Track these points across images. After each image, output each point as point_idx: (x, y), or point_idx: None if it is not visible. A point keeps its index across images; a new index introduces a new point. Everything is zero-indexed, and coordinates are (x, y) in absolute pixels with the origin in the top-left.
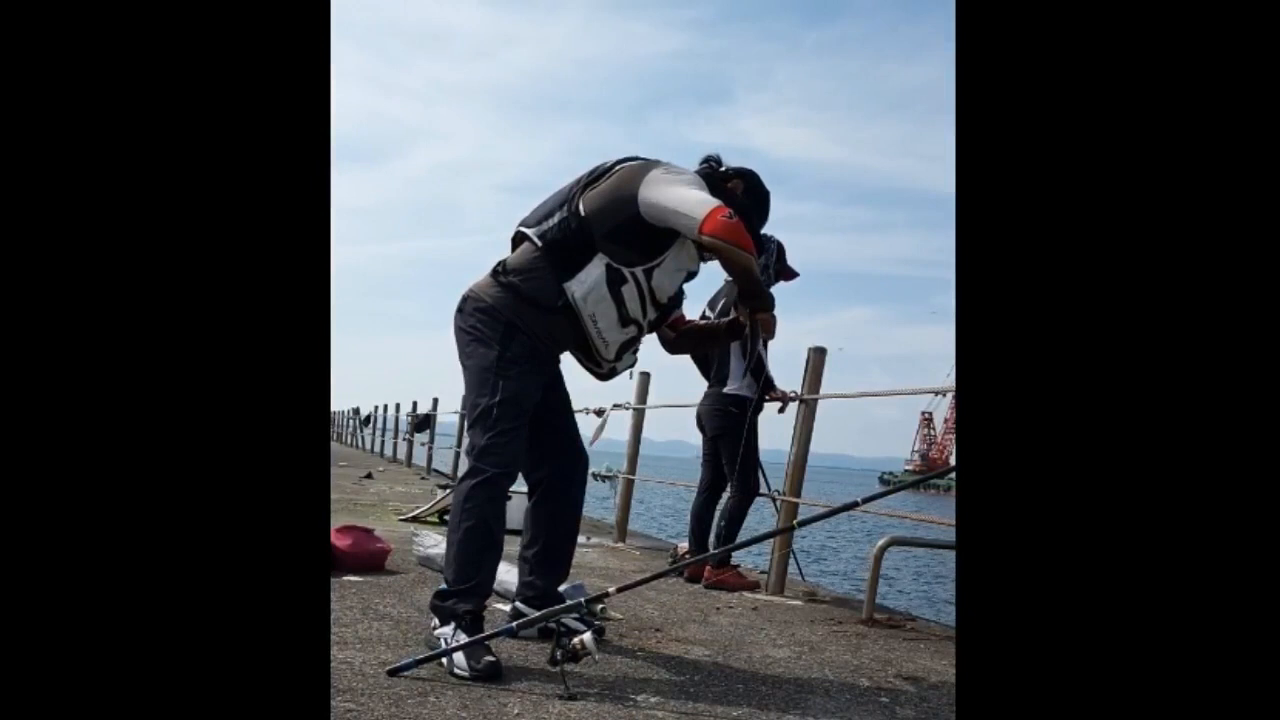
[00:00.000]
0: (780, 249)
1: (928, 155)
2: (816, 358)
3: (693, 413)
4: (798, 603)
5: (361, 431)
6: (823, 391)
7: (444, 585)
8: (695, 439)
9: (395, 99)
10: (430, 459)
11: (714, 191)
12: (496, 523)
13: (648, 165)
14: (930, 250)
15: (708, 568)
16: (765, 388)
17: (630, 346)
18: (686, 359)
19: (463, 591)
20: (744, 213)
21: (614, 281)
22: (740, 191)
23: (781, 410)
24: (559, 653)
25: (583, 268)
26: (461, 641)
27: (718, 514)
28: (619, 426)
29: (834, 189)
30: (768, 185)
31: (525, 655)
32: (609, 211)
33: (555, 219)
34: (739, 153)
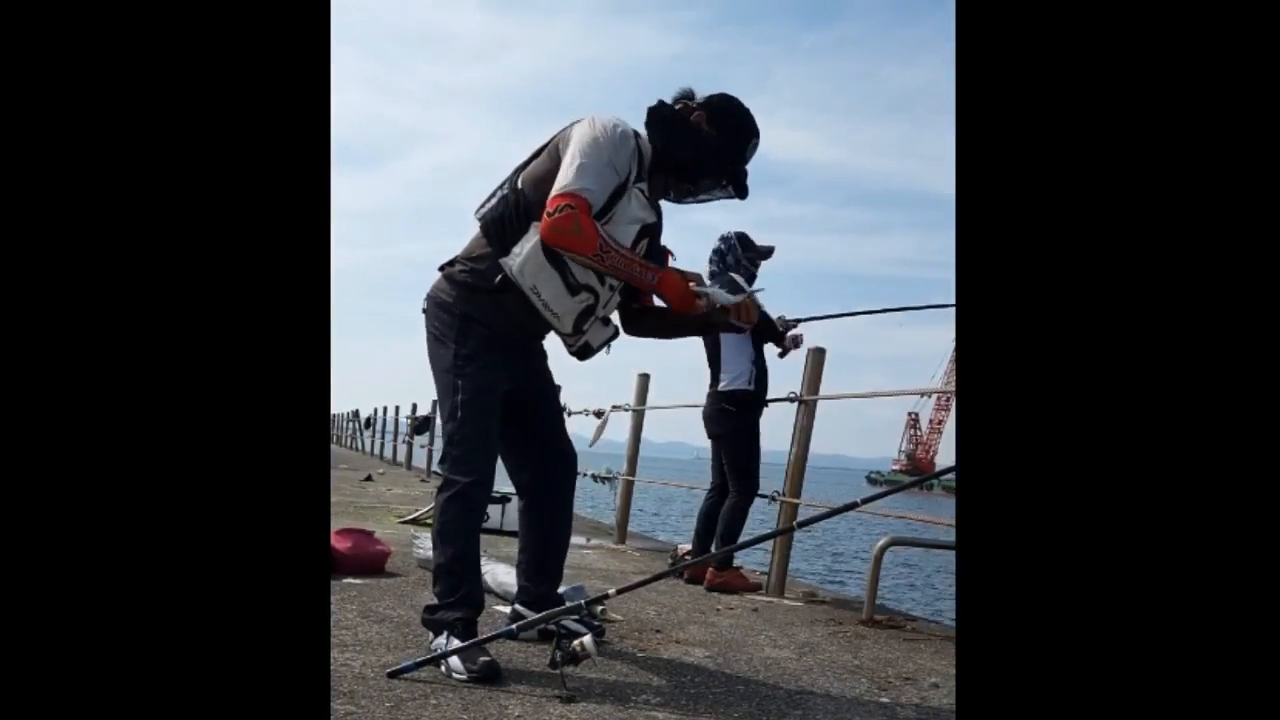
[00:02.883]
0: (739, 240)
1: (927, 156)
2: (816, 358)
3: (691, 413)
4: (798, 603)
5: (361, 434)
6: (822, 392)
7: (433, 600)
8: (694, 440)
9: (395, 102)
10: (430, 461)
11: (673, 131)
12: (476, 532)
13: (574, 125)
14: (930, 251)
15: (710, 569)
16: (766, 334)
17: (589, 316)
18: (692, 357)
19: (450, 604)
20: (705, 150)
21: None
22: (705, 123)
23: (782, 355)
24: (559, 654)
25: (519, 240)
26: (456, 647)
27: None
28: (619, 427)
29: (833, 190)
30: (748, 118)
31: (525, 657)
32: (544, 179)
33: (495, 199)
34: None
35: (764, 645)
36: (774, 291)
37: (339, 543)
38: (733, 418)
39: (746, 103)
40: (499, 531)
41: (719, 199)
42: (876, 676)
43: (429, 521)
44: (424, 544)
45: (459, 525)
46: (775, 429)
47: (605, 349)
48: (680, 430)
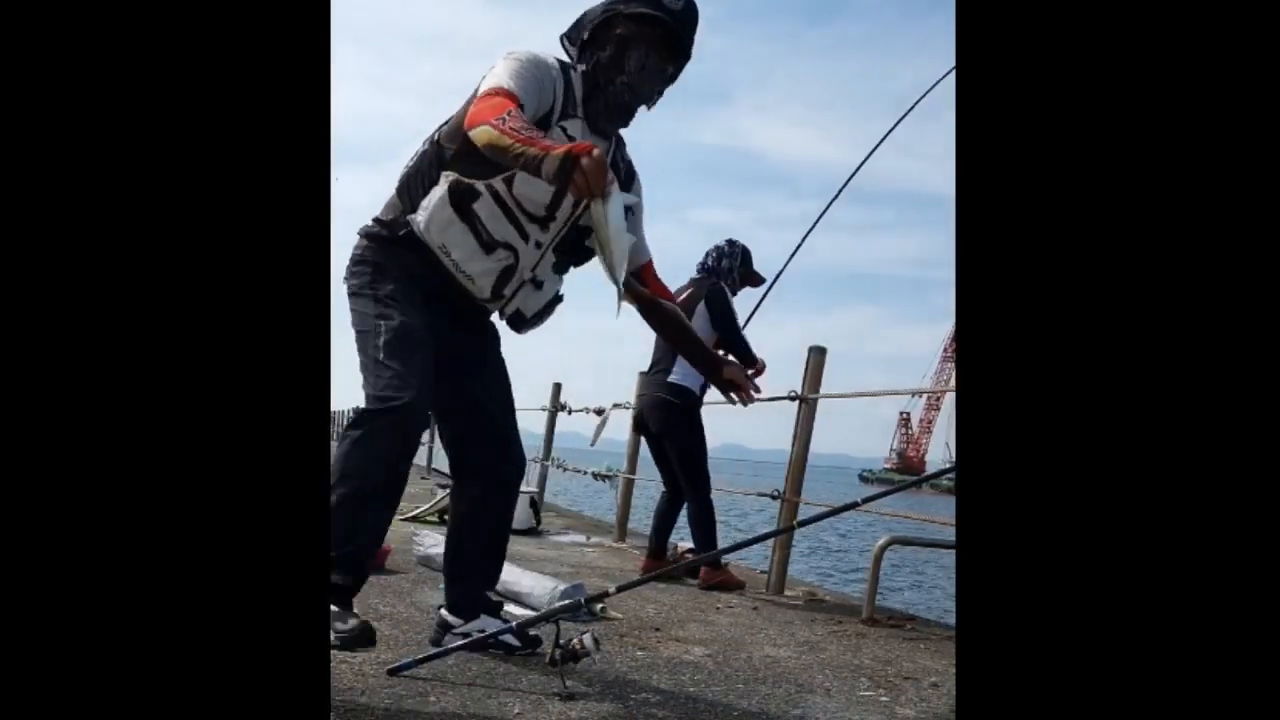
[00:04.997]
0: (745, 253)
1: (928, 155)
2: (816, 358)
3: None
4: (798, 602)
5: None
6: (823, 391)
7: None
8: None
9: (396, 99)
10: (430, 458)
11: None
12: (379, 467)
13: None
14: (930, 250)
15: (704, 569)
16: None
17: (509, 278)
18: None
19: (334, 559)
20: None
21: (461, 200)
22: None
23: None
24: (558, 652)
25: (428, 194)
26: (457, 644)
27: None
28: (619, 426)
29: (833, 189)
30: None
31: (525, 655)
32: (459, 127)
33: (414, 156)
34: (738, 153)
35: (764, 644)
36: (777, 291)
37: None
38: (678, 412)
39: (745, 101)
40: None
41: (664, 74)
42: (877, 676)
43: (429, 519)
44: (424, 541)
45: (361, 460)
46: (776, 428)
47: (544, 318)
48: None
